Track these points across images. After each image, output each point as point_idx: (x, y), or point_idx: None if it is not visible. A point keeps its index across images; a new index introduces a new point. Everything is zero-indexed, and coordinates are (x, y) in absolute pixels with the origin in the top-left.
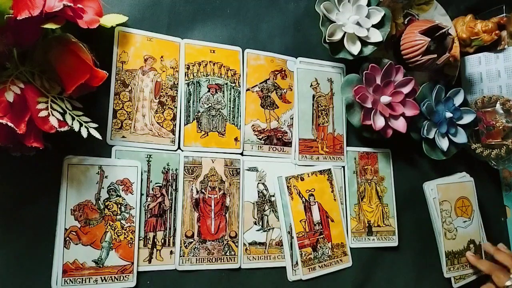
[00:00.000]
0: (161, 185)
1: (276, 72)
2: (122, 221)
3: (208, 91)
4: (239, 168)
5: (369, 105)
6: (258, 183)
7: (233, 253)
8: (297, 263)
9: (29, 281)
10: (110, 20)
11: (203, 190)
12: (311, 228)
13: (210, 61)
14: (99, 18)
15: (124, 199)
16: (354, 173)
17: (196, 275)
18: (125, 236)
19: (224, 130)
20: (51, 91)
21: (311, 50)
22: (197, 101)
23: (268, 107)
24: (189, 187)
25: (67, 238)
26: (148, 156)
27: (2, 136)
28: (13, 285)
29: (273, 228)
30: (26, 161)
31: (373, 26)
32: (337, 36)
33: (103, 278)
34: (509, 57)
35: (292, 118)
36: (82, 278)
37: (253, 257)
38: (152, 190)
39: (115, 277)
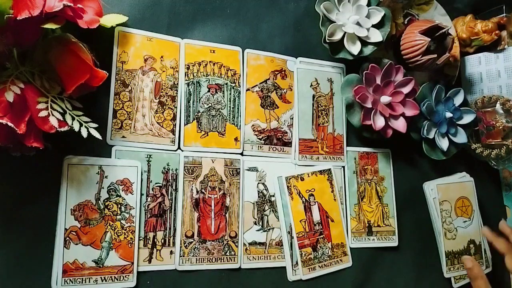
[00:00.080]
0: (161, 185)
1: (276, 72)
2: (122, 221)
3: (208, 91)
4: (239, 168)
5: (369, 105)
6: (258, 183)
7: (233, 253)
8: (297, 263)
9: (29, 281)
10: (110, 20)
11: (203, 190)
12: (311, 228)
13: (210, 61)
14: (99, 18)
15: (124, 199)
16: (354, 173)
17: (196, 275)
18: (125, 236)
19: (224, 130)
20: (51, 91)
21: (311, 50)
22: (197, 101)
23: (268, 107)
24: (189, 187)
25: (67, 238)
26: (148, 156)
27: (2, 136)
28: (13, 285)
29: (273, 228)
30: (26, 161)
31: (373, 26)
32: (337, 36)
33: (103, 278)
34: (509, 57)
35: (292, 118)
36: (82, 278)
37: (253, 257)
38: (152, 190)
39: (115, 277)
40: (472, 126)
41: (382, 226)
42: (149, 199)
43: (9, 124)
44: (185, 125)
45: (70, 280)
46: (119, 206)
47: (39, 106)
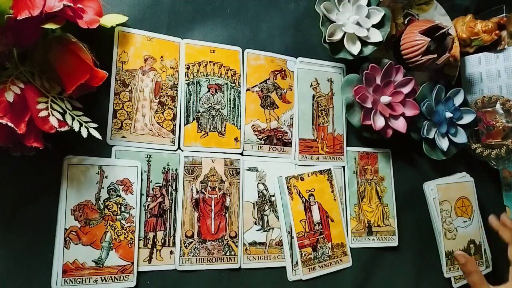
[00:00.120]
0: (161, 185)
1: (276, 72)
2: (122, 221)
3: (208, 91)
4: (239, 168)
5: (369, 105)
6: (258, 183)
7: (233, 253)
8: (297, 263)
9: (29, 281)
10: (110, 20)
11: (203, 190)
12: (311, 228)
13: (210, 61)
14: (99, 18)
15: (124, 199)
16: (354, 173)
17: (196, 275)
18: (125, 236)
19: (224, 130)
20: (51, 91)
21: (311, 50)
22: (197, 101)
23: (268, 107)
24: (189, 187)
25: (67, 238)
26: (148, 156)
27: (2, 136)
28: (13, 285)
29: (273, 228)
30: (26, 161)
31: (373, 26)
32: (337, 36)
33: (103, 278)
34: (509, 57)
35: (292, 118)
36: (82, 278)
37: (253, 257)
38: (152, 190)
39: (115, 277)
40: (472, 126)
41: (382, 226)
42: (149, 199)
43: (9, 124)
44: (185, 125)
45: (70, 280)
46: (119, 206)
47: (39, 106)
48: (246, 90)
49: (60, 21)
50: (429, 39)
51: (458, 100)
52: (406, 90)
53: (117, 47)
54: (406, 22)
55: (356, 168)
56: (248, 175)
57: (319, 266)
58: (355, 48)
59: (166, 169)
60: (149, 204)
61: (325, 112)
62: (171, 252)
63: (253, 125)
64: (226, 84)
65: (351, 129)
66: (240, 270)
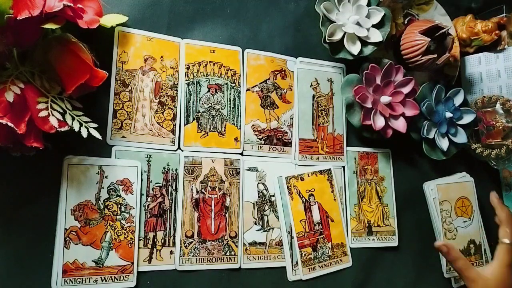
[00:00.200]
0: (161, 185)
1: (276, 72)
2: (122, 221)
3: (208, 91)
4: (239, 168)
5: (369, 105)
6: (258, 183)
7: (233, 253)
8: (297, 263)
9: (29, 281)
10: (110, 20)
11: (203, 190)
12: (311, 228)
13: (210, 61)
14: (99, 18)
15: (124, 199)
16: (354, 173)
17: (196, 275)
18: (125, 236)
19: (224, 130)
20: (51, 91)
21: (311, 50)
22: (197, 101)
23: (268, 107)
24: (189, 187)
25: (67, 238)
26: (148, 156)
27: (2, 136)
28: (13, 285)
29: (273, 228)
30: (26, 161)
31: (373, 26)
32: (337, 36)
33: (103, 278)
34: (509, 57)
35: (292, 118)
36: (82, 278)
37: (253, 257)
38: (152, 190)
39: (115, 277)
40: (472, 126)
41: (382, 226)
42: (149, 199)
43: (9, 124)
44: (185, 125)
45: (70, 280)
46: (119, 206)
47: (39, 106)
48: (246, 90)
49: (60, 21)
50: (429, 39)
51: (458, 100)
52: (406, 90)
53: (117, 47)
54: (406, 22)
55: (356, 168)
56: (248, 175)
57: (319, 266)
58: (355, 48)
59: (166, 169)
60: (149, 204)
61: (325, 112)
62: (171, 252)
63: (253, 125)
64: (226, 84)
65: (351, 129)
66: (240, 270)
